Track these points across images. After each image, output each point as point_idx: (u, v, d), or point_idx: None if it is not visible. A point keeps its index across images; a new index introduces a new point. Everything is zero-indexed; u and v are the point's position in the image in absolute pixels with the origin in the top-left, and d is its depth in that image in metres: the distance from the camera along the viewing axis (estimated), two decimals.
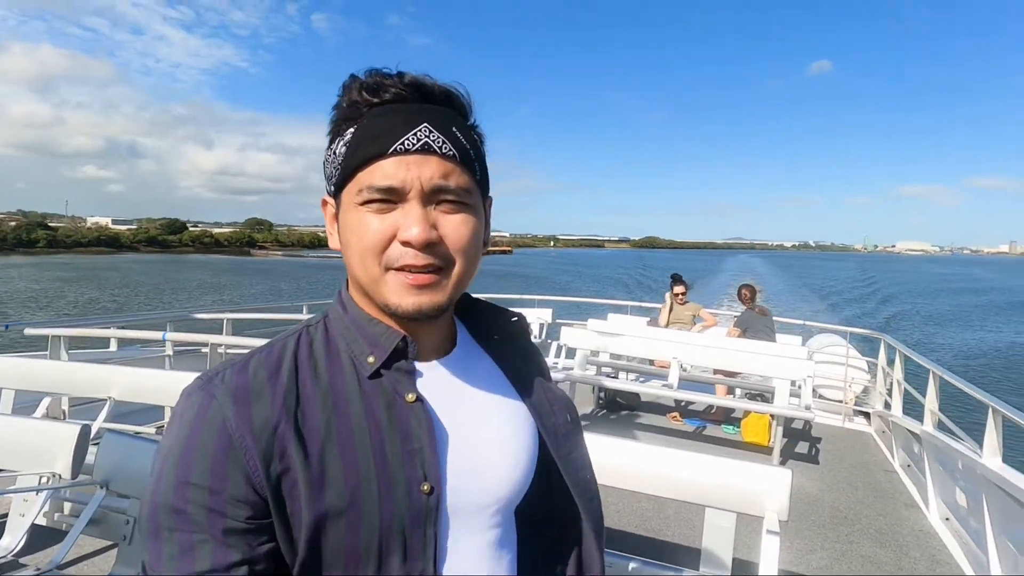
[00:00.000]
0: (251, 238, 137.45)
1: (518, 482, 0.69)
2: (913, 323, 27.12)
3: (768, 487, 1.94)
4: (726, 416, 6.07)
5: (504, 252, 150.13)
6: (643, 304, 9.28)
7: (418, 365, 0.67)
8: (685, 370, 5.77)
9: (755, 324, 6.40)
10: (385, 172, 0.61)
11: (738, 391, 6.23)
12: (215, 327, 6.21)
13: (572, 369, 6.06)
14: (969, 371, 15.59)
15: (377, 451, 0.60)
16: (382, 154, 0.61)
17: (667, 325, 6.83)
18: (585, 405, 6.21)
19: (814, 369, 5.53)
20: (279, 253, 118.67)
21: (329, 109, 0.67)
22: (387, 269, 0.62)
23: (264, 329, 7.28)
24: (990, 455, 3.23)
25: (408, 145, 0.61)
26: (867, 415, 6.53)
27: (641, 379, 6.57)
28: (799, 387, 5.43)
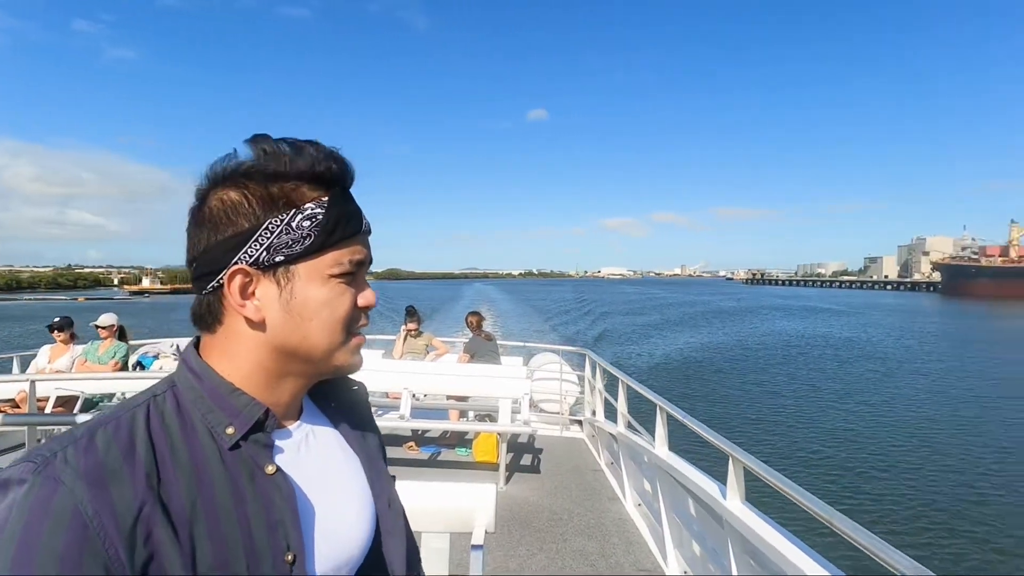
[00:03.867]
0: None
1: (365, 544, 0.72)
2: (616, 337, 31.96)
3: (475, 504, 2.02)
4: (460, 439, 6.30)
5: None
6: (380, 337, 9.25)
7: (275, 433, 0.67)
8: (418, 399, 5.85)
9: (482, 349, 6.82)
10: (359, 249, 0.68)
11: (470, 414, 6.54)
12: None
13: None
14: (651, 376, 18.90)
15: (243, 525, 0.59)
16: (357, 233, 0.68)
17: (401, 356, 6.89)
18: None
19: (531, 386, 6.06)
20: None
21: None
22: (349, 334, 0.68)
23: None
24: (661, 446, 3.85)
25: (367, 226, 0.70)
26: (581, 423, 7.33)
27: (378, 412, 6.47)
28: (520, 404, 5.90)
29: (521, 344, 9.12)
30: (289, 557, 0.61)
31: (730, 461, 2.66)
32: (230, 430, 0.62)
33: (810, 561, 2.06)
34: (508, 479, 5.27)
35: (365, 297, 0.69)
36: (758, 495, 2.72)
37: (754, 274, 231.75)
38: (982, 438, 12.08)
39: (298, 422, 0.72)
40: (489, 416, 6.34)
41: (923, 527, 7.90)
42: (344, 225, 0.66)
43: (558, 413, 7.45)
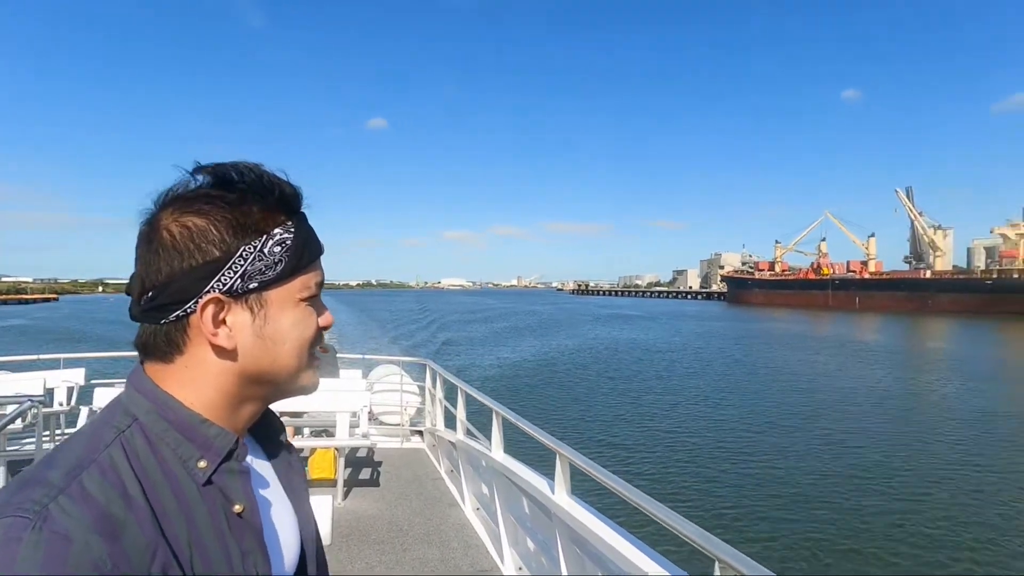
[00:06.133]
0: None
1: (295, 565, 0.73)
2: (458, 346, 32.49)
3: None
4: None
5: (48, 300, 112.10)
6: None
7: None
8: None
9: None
10: (320, 271, 0.70)
11: (306, 430, 6.30)
12: None
13: None
14: (491, 382, 19.49)
15: (225, 556, 0.60)
16: (318, 255, 0.70)
17: None
18: None
19: (371, 399, 6.00)
20: None
21: None
22: (312, 355, 0.69)
23: None
24: (497, 449, 4.05)
25: (322, 248, 0.71)
26: (422, 433, 7.39)
27: None
28: (359, 417, 5.83)
29: (360, 356, 8.97)
30: None
31: (557, 458, 2.89)
32: (202, 464, 0.62)
33: (629, 546, 2.29)
34: (346, 494, 5.18)
35: (325, 318, 0.71)
36: (585, 488, 3.00)
37: (580, 285, 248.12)
38: (758, 421, 14.22)
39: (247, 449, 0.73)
40: (326, 431, 6.17)
41: (730, 507, 9.10)
42: (310, 249, 0.68)
43: (399, 425, 7.44)
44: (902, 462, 11.32)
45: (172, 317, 0.63)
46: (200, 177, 0.65)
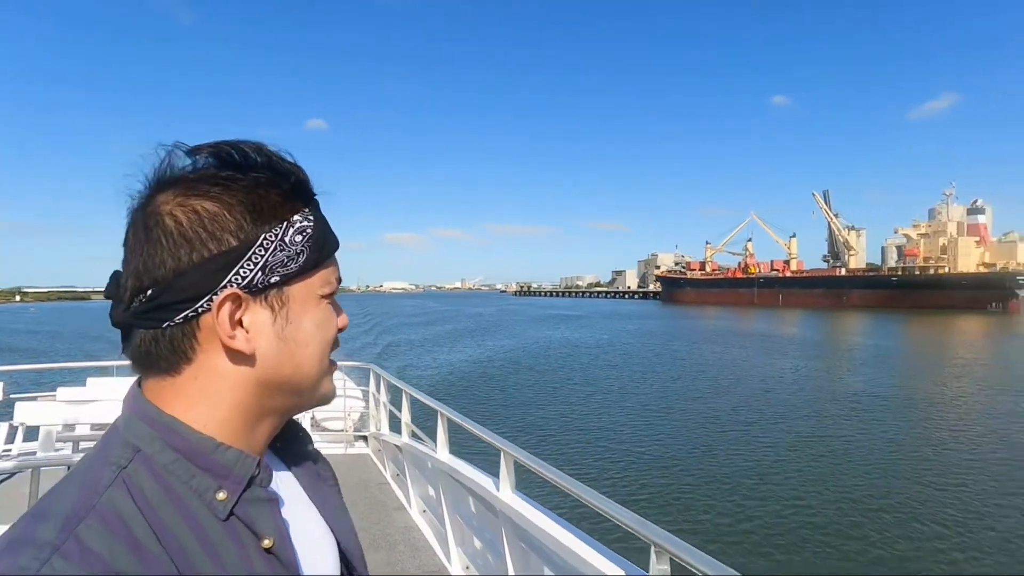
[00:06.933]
0: None
1: None
2: (401, 349, 32.29)
3: None
4: None
5: None
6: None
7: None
8: None
9: None
10: (338, 267, 0.62)
11: None
12: None
13: (35, 453, 4.85)
14: (436, 385, 19.42)
15: None
16: (336, 248, 0.62)
17: None
18: None
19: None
20: None
21: None
22: (330, 360, 0.62)
23: None
24: (442, 450, 4.05)
25: (338, 242, 0.63)
26: (366, 438, 7.28)
27: None
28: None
29: None
30: None
31: (502, 455, 2.95)
32: (221, 495, 0.52)
33: (571, 537, 2.37)
34: None
35: (343, 319, 0.63)
36: (528, 484, 3.09)
37: (523, 287, 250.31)
38: (685, 413, 14.79)
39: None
40: None
41: (672, 499, 9.42)
42: (330, 240, 0.61)
43: (342, 431, 7.35)
44: (780, 434, 13.09)
45: (179, 319, 0.53)
46: (196, 158, 0.55)
